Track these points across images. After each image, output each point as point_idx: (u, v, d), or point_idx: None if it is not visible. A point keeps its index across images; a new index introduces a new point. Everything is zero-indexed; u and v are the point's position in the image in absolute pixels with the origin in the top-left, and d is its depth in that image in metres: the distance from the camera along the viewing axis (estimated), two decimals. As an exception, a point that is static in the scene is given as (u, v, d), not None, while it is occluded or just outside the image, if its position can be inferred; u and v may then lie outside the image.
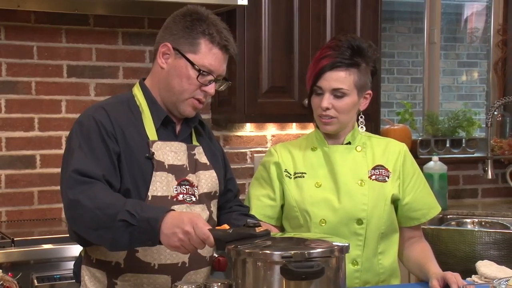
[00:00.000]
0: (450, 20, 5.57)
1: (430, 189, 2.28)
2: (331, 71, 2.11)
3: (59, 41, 3.28)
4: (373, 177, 2.17)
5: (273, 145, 3.60)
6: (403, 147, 2.25)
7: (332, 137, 2.22)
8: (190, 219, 1.70)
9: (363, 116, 2.25)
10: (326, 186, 2.16)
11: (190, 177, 1.99)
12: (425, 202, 2.23)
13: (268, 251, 1.61)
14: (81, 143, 1.87)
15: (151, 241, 1.75)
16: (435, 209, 2.26)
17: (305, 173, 2.20)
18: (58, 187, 3.18)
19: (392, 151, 2.22)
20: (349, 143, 2.21)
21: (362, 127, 2.25)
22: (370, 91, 2.20)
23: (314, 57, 2.19)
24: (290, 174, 2.21)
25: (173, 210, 1.80)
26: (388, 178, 2.18)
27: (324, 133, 2.21)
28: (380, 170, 2.18)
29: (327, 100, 2.11)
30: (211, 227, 1.70)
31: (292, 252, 1.59)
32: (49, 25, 3.25)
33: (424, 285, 2.07)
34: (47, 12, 3.20)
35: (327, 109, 2.12)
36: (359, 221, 2.12)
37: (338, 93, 2.11)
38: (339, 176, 2.16)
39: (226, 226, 1.72)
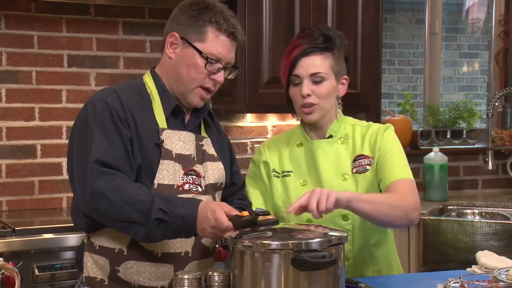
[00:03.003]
0: (452, 11, 5.56)
1: (404, 162, 2.14)
2: (306, 57, 2.08)
3: (60, 30, 3.28)
4: (354, 170, 2.13)
5: (273, 135, 3.61)
6: (381, 128, 2.17)
7: (315, 130, 2.18)
8: (213, 213, 1.76)
9: (341, 103, 2.20)
10: (311, 184, 2.13)
11: (197, 167, 2.00)
12: (392, 165, 2.10)
13: (266, 241, 1.61)
14: (97, 130, 1.87)
15: (185, 234, 1.83)
16: (403, 175, 2.08)
17: (291, 171, 2.18)
18: (59, 177, 3.25)
19: (369, 135, 2.16)
20: (331, 136, 2.17)
21: (339, 112, 2.20)
22: (346, 76, 2.17)
23: (285, 51, 2.14)
24: (278, 173, 2.20)
25: (199, 200, 1.84)
26: (369, 166, 2.13)
27: (306, 127, 2.19)
28: (360, 161, 2.14)
29: (306, 87, 2.07)
30: (232, 215, 1.75)
31: (291, 242, 1.59)
32: (49, 14, 3.25)
33: (417, 275, 2.07)
34: (48, 1, 3.19)
35: (308, 95, 2.08)
36: (345, 217, 2.09)
37: (316, 78, 2.08)
38: (321, 173, 2.13)
39: (245, 213, 1.77)
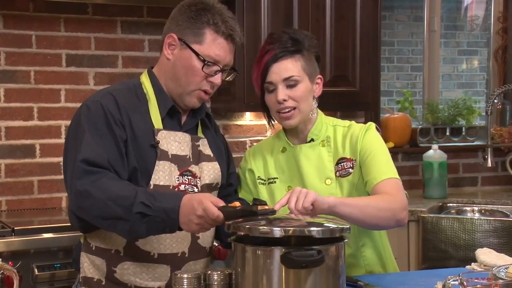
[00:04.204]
0: (450, 8, 5.56)
1: (387, 161, 2.10)
2: (277, 63, 2.05)
3: (58, 30, 3.27)
4: (338, 173, 2.12)
5: (272, 133, 3.61)
6: (362, 129, 2.14)
7: (296, 134, 2.17)
8: (199, 203, 1.72)
9: (316, 103, 2.16)
10: None
11: (193, 168, 1.99)
12: (376, 166, 2.08)
13: (270, 233, 1.59)
14: (89, 131, 1.87)
15: (169, 228, 1.79)
16: (387, 175, 2.06)
17: (276, 178, 2.17)
18: (58, 177, 3.24)
19: (349, 136, 2.14)
20: (312, 140, 2.15)
21: (318, 112, 2.17)
22: (320, 76, 2.15)
23: (256, 58, 2.12)
24: (264, 180, 2.19)
25: (184, 193, 1.82)
26: (352, 169, 2.11)
27: (287, 132, 2.17)
28: (343, 164, 2.12)
29: (282, 92, 2.05)
30: (221, 205, 1.73)
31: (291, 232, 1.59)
32: (47, 14, 3.24)
33: (416, 273, 2.07)
34: (46, 0, 3.18)
35: (284, 100, 2.05)
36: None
37: (290, 82, 2.05)
38: (305, 178, 2.12)
39: (236, 204, 1.76)
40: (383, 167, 2.07)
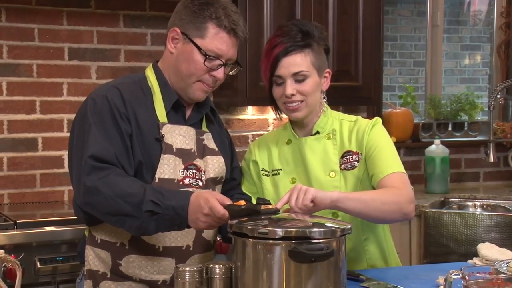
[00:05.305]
0: (453, 3, 5.55)
1: (393, 155, 2.11)
2: (287, 57, 2.05)
3: (61, 23, 3.27)
4: (343, 166, 2.11)
5: (274, 127, 3.61)
6: (368, 124, 2.14)
7: (302, 127, 2.17)
8: (206, 201, 1.74)
9: (325, 97, 2.17)
10: (300, 181, 2.10)
11: (198, 161, 2.00)
12: (382, 160, 2.07)
13: (269, 233, 1.60)
14: (95, 124, 1.87)
15: (178, 226, 1.81)
16: (393, 169, 2.06)
17: (281, 169, 2.17)
18: (61, 170, 3.25)
19: (356, 131, 2.14)
20: (317, 132, 2.15)
21: (325, 106, 2.17)
22: (329, 70, 2.15)
23: (264, 50, 2.12)
24: (268, 172, 2.19)
25: (191, 192, 1.83)
26: (357, 162, 2.11)
27: (293, 124, 2.18)
28: (348, 157, 2.12)
29: (290, 87, 2.05)
30: (227, 203, 1.74)
31: (294, 230, 1.59)
32: (50, 7, 3.24)
33: (418, 268, 2.06)
34: (48, -6, 3.19)
35: (292, 95, 2.06)
36: (335, 214, 2.06)
37: (299, 77, 2.06)
38: (310, 169, 2.11)
39: (242, 202, 1.77)
40: (389, 161, 2.07)
